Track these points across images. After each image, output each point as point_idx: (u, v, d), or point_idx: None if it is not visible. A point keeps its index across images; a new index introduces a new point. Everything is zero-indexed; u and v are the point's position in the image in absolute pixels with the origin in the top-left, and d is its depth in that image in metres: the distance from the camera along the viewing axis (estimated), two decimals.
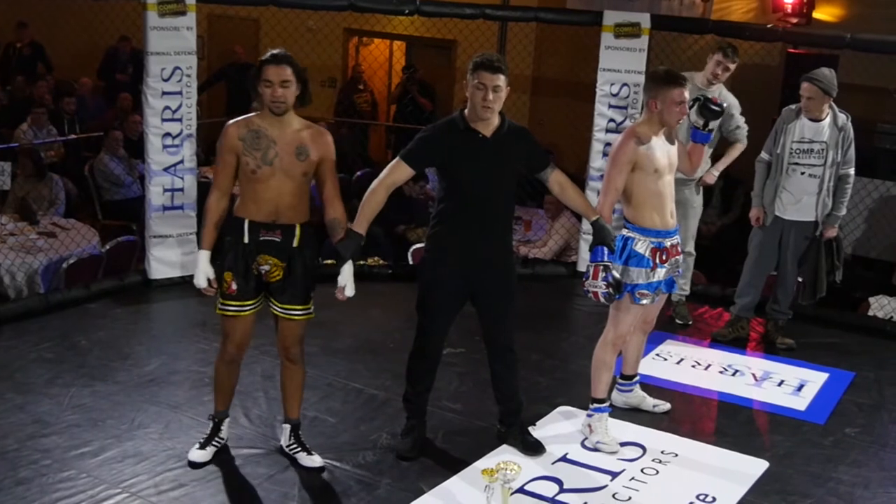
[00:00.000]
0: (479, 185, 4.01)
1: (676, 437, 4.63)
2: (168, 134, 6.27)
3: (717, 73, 5.79)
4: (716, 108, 4.50)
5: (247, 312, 4.01)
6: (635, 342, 4.75)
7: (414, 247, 7.01)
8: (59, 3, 10.45)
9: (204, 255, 3.94)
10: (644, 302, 4.37)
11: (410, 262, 6.91)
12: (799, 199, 5.60)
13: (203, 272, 3.93)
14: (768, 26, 7.42)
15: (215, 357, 4.20)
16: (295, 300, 3.99)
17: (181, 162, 6.35)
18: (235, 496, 3.93)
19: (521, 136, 4.14)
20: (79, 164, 8.74)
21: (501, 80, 3.93)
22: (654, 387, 5.08)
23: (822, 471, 4.39)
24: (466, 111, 4.03)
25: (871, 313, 6.47)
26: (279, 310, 4.02)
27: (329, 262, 4.25)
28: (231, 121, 3.96)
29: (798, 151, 5.56)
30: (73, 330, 5.57)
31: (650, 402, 4.88)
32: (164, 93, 6.20)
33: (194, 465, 4.08)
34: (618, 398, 4.84)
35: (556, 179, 4.18)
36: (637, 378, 4.89)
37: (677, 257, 4.46)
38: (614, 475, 4.23)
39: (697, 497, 4.09)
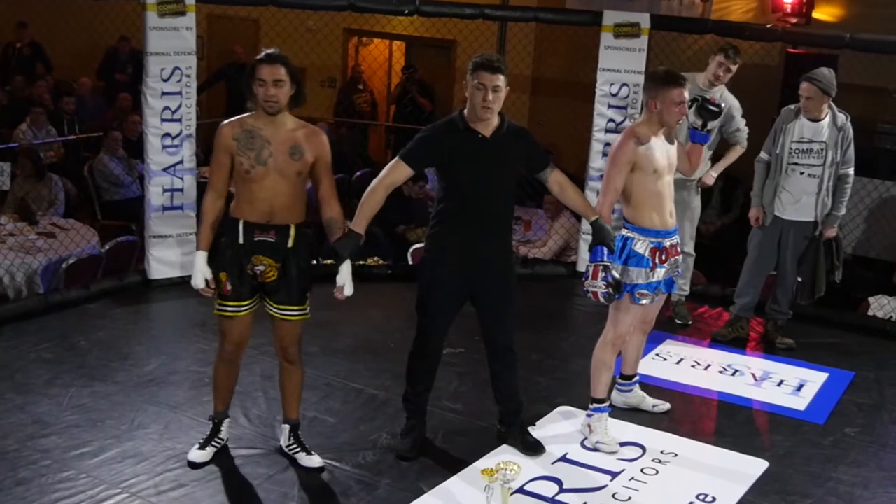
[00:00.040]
0: (479, 186, 4.01)
1: (676, 437, 4.63)
2: (167, 134, 6.27)
3: (719, 75, 5.78)
4: (714, 109, 4.51)
5: (243, 312, 4.01)
6: (635, 342, 4.74)
7: (413, 247, 7.01)
8: (59, 3, 10.44)
9: (201, 256, 3.94)
10: (644, 302, 4.37)
11: (410, 262, 6.91)
12: (798, 198, 5.60)
13: (200, 273, 3.93)
14: (768, 26, 7.41)
15: (214, 357, 4.20)
16: (290, 301, 3.99)
17: (181, 162, 6.35)
18: (235, 496, 3.93)
19: (521, 136, 4.14)
20: (78, 164, 8.72)
21: (501, 80, 3.93)
22: (653, 387, 5.08)
23: (822, 471, 4.39)
24: (466, 111, 4.03)
25: (870, 313, 6.46)
26: (275, 310, 4.02)
27: (329, 261, 4.25)
28: (225, 121, 3.96)
29: (797, 151, 5.55)
30: (73, 330, 5.57)
31: (650, 402, 4.88)
32: (163, 93, 6.20)
33: (194, 466, 4.08)
34: (617, 398, 4.83)
35: (556, 179, 4.18)
36: (637, 378, 4.89)
37: (677, 257, 4.46)
38: (614, 475, 4.23)
39: (697, 497, 4.09)
